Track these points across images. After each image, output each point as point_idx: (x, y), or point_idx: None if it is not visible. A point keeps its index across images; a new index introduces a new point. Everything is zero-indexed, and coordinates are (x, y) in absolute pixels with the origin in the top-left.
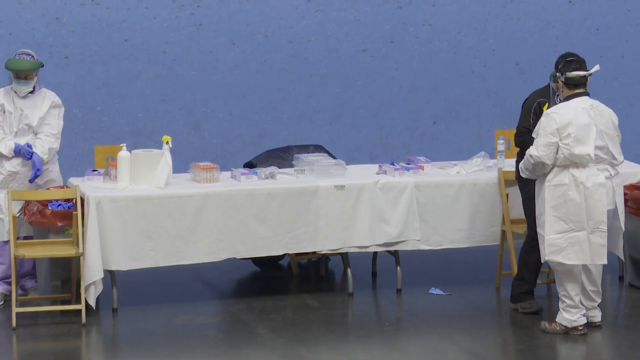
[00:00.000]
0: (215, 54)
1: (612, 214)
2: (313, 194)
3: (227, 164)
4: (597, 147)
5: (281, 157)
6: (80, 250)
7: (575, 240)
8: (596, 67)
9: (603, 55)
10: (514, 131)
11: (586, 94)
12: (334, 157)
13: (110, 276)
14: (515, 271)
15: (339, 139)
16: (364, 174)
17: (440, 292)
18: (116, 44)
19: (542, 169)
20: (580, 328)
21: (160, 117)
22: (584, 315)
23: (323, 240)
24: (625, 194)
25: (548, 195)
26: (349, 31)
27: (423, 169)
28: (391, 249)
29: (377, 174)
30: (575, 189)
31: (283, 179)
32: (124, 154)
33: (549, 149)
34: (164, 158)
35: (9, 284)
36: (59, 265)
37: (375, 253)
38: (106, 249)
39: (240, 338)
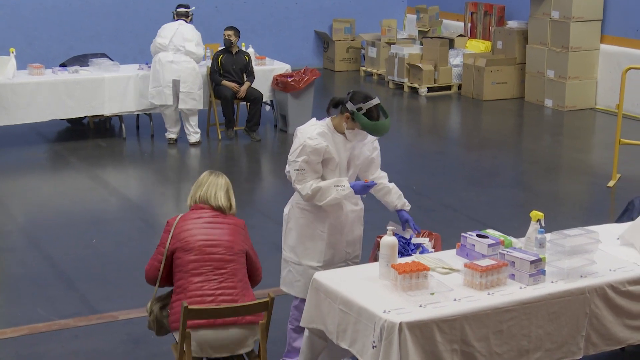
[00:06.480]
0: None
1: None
2: (101, 81)
3: (50, 65)
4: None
5: (82, 60)
6: None
7: None
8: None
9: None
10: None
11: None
12: (113, 60)
13: None
14: None
15: (115, 51)
16: (131, 70)
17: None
18: None
19: None
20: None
21: (9, 41)
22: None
23: (108, 107)
24: (277, 79)
25: None
26: None
27: None
28: (148, 112)
29: (138, 69)
30: (158, 63)
31: (83, 73)
32: None
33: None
34: (11, 61)
35: None
36: None
37: (138, 115)
38: None
39: (61, 165)
